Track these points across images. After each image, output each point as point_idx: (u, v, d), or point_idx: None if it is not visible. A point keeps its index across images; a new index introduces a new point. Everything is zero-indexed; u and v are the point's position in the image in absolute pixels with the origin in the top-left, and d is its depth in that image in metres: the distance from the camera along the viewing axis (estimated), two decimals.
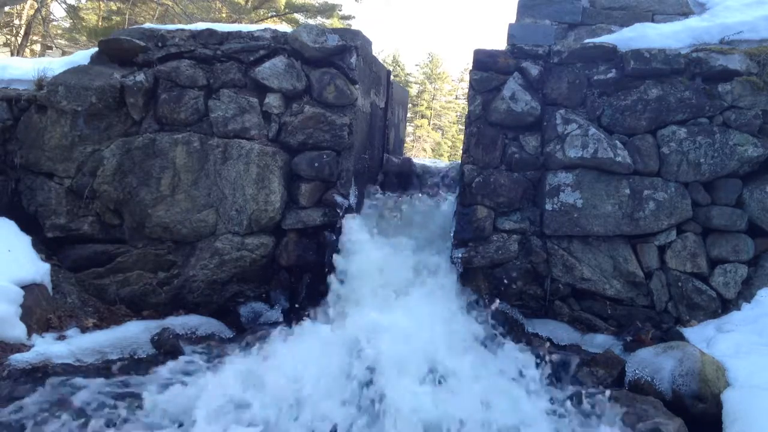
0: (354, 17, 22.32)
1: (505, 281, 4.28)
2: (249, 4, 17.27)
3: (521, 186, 4.34)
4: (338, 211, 4.44)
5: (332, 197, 4.48)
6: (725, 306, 4.07)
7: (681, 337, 3.73)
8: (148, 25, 5.01)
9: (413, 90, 37.89)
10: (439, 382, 3.24)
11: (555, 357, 3.71)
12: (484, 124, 4.46)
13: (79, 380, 3.24)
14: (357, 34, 4.64)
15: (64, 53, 12.48)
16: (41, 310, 3.83)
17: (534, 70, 4.38)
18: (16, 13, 15.11)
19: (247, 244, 4.45)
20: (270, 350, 3.55)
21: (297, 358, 3.35)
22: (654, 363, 3.32)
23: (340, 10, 19.83)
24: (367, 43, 4.89)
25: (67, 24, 17.11)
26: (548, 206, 4.25)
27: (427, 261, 4.57)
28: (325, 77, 4.52)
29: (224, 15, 16.13)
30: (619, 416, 3.00)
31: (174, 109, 4.52)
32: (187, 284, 4.46)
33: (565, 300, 4.30)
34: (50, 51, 14.86)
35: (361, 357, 3.24)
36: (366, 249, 4.44)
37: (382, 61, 6.13)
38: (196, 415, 2.87)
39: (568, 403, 3.20)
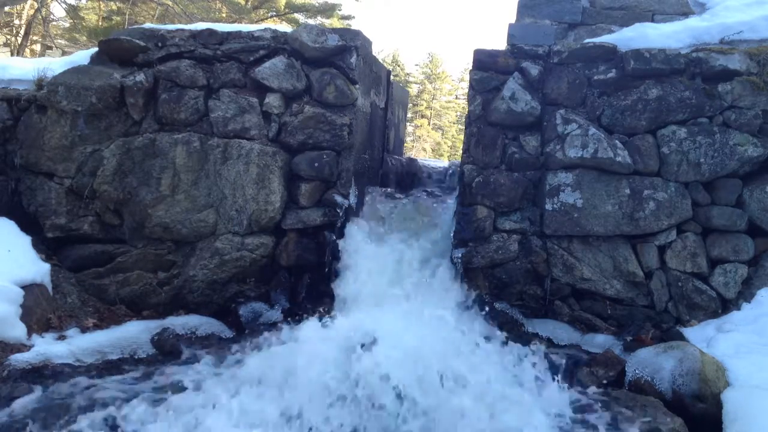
0: (354, 17, 22.35)
1: (505, 281, 4.28)
2: (249, 4, 17.28)
3: (521, 186, 4.34)
4: (338, 211, 4.44)
5: (332, 197, 4.48)
6: (725, 306, 4.07)
7: (681, 337, 3.73)
8: (148, 25, 5.01)
9: (413, 90, 37.86)
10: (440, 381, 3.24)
11: (555, 356, 3.71)
12: (484, 124, 4.46)
13: (78, 380, 3.25)
14: (357, 34, 4.64)
15: (64, 53, 12.47)
16: (41, 310, 3.83)
17: (534, 70, 4.38)
18: (16, 13, 15.11)
19: (247, 244, 4.45)
20: (269, 351, 3.54)
21: (296, 359, 3.35)
22: (654, 363, 3.32)
23: (340, 10, 19.82)
24: (367, 43, 4.89)
25: (67, 24, 17.10)
26: (548, 206, 4.25)
27: (426, 260, 4.57)
28: (325, 77, 4.52)
29: (224, 15, 16.13)
30: (619, 416, 3.00)
31: (174, 109, 4.52)
32: (187, 284, 4.46)
33: (565, 300, 4.30)
34: (50, 51, 14.85)
35: (359, 356, 3.24)
36: (366, 248, 4.44)
37: (382, 61, 6.13)
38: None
39: (568, 403, 3.20)
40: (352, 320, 3.53)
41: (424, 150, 33.11)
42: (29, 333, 3.60)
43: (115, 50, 4.69)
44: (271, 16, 17.85)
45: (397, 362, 3.13)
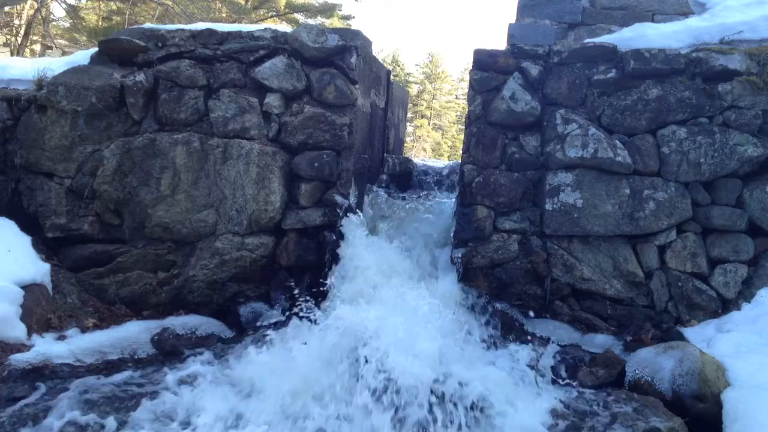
0: (354, 17, 22.36)
1: (505, 281, 4.28)
2: (249, 4, 17.28)
3: (521, 186, 4.34)
4: (338, 211, 4.44)
5: (332, 197, 4.48)
6: (725, 306, 4.07)
7: (681, 337, 3.73)
8: (148, 25, 5.01)
9: (413, 90, 37.86)
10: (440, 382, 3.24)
11: (554, 356, 3.71)
12: (484, 124, 4.46)
13: (78, 380, 3.25)
14: (357, 34, 4.64)
15: (64, 53, 12.48)
16: (41, 310, 3.83)
17: (534, 70, 4.38)
18: (16, 13, 15.11)
19: (247, 244, 4.45)
20: (268, 351, 3.55)
21: (295, 359, 3.35)
22: (654, 363, 3.32)
23: (340, 10, 19.82)
24: (367, 43, 4.89)
25: (67, 24, 17.09)
26: (548, 206, 4.25)
27: (426, 260, 4.57)
28: (325, 77, 4.52)
29: (224, 15, 16.13)
30: (618, 416, 3.00)
31: (174, 109, 4.52)
32: (187, 284, 4.46)
33: (565, 300, 4.30)
34: (50, 51, 14.86)
35: (359, 356, 3.24)
36: (366, 248, 4.44)
37: (382, 61, 6.13)
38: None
39: (568, 403, 3.20)
40: (350, 321, 3.52)
41: (424, 150, 33.11)
42: (29, 333, 3.60)
43: (115, 50, 4.69)
44: (271, 16, 17.85)
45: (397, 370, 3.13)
